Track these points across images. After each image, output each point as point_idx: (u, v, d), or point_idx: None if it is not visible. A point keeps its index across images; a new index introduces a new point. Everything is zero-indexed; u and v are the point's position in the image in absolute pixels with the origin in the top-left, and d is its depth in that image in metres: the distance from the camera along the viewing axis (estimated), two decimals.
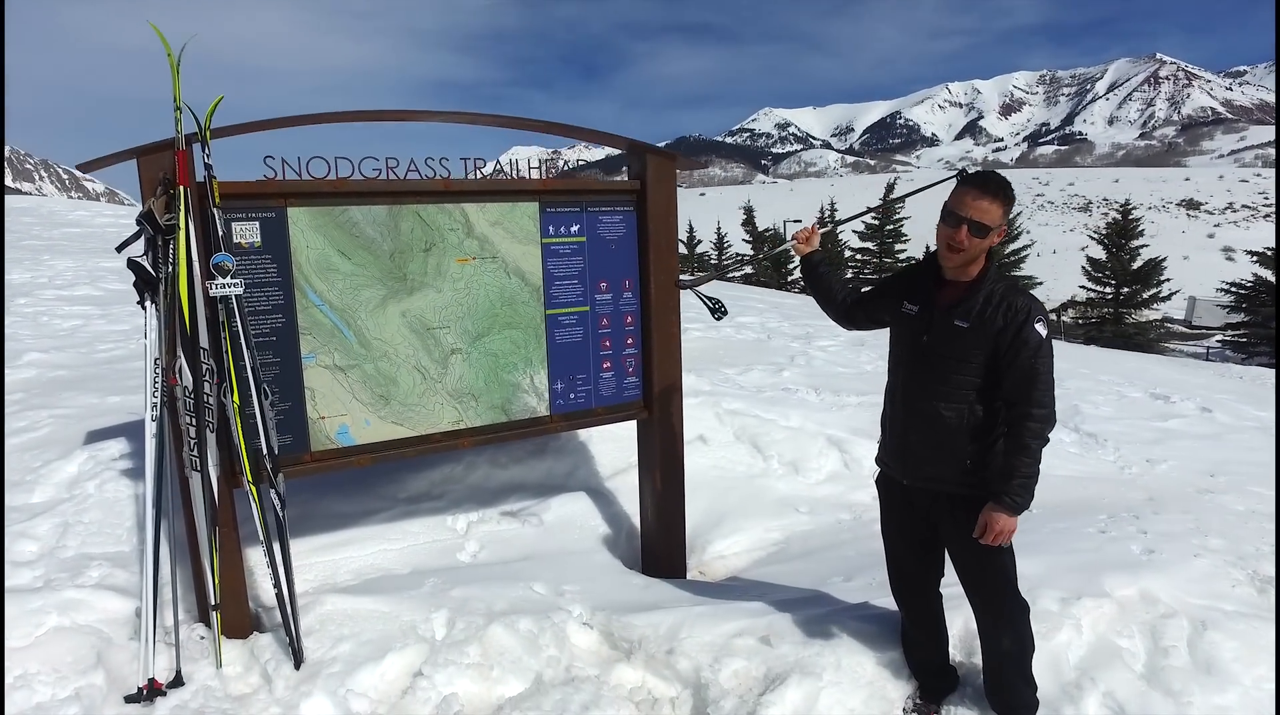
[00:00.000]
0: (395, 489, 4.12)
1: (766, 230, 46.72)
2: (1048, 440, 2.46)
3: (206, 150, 2.78)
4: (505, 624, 3.11)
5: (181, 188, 2.72)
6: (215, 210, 2.79)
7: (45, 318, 7.09)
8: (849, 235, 45.84)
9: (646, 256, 3.82)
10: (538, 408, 3.69)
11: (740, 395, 5.79)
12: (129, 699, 2.68)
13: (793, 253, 3.25)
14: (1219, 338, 33.07)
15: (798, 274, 43.61)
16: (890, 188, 42.91)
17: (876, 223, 41.97)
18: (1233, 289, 28.47)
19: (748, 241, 46.00)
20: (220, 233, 2.80)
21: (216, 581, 2.88)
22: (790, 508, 4.76)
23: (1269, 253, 26.95)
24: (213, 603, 2.89)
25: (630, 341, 3.89)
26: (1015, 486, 2.42)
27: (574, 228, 3.68)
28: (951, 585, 2.94)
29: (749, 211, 48.05)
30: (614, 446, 4.88)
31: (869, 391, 6.09)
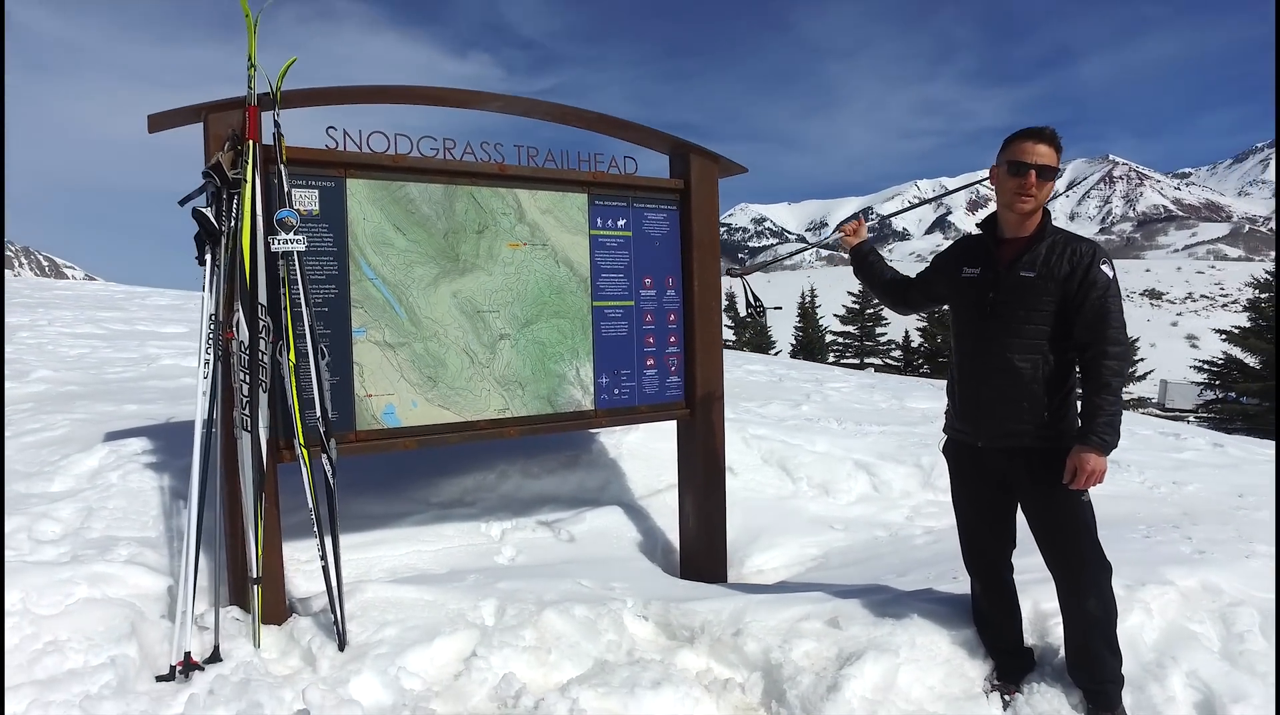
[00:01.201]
0: (427, 493, 3.98)
1: (747, 317, 47.49)
2: (1126, 380, 2.45)
3: (276, 110, 2.79)
4: (559, 610, 2.96)
5: (251, 142, 2.71)
6: (282, 167, 2.78)
7: (50, 346, 6.92)
8: (829, 319, 46.70)
9: (690, 255, 3.84)
10: (583, 401, 3.62)
11: (764, 422, 5.74)
12: (160, 678, 2.48)
13: (842, 244, 3.28)
14: (1191, 418, 33.61)
15: (781, 346, 44.05)
16: None
17: (857, 307, 42.85)
18: (1206, 367, 29.11)
19: (729, 327, 46.69)
20: (286, 191, 2.78)
21: (260, 554, 2.72)
22: (825, 526, 4.65)
23: (1236, 331, 27.73)
24: (254, 576, 2.73)
25: (673, 340, 3.87)
26: (1101, 425, 2.39)
27: (620, 222, 3.71)
28: (1021, 571, 2.87)
29: (730, 297, 48.91)
30: (645, 465, 4.79)
31: (889, 423, 6.07)
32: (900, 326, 43.01)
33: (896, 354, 41.76)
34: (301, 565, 3.27)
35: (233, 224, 2.72)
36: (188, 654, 2.53)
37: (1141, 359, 32.22)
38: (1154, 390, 53.50)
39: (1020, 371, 2.56)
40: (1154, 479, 5.45)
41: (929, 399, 7.23)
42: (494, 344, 3.39)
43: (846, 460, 5.27)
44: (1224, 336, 28.41)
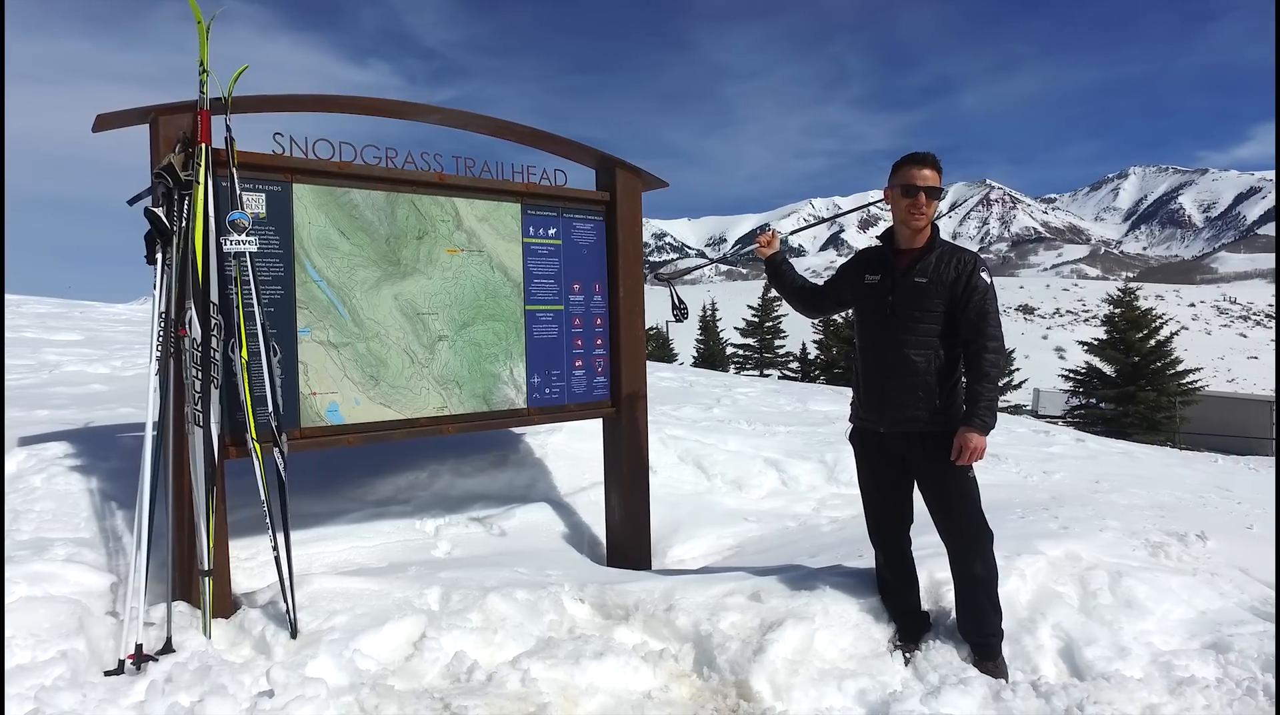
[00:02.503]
0: (363, 492, 4.06)
1: (651, 329, 48.15)
2: (1002, 371, 2.87)
3: (228, 114, 2.88)
4: (502, 595, 3.13)
5: (203, 145, 2.80)
6: (234, 170, 2.87)
7: None
8: (730, 332, 47.89)
9: (615, 263, 4.10)
10: (516, 400, 3.81)
11: (679, 424, 6.05)
12: (109, 673, 2.52)
13: (757, 254, 3.59)
14: (1062, 422, 36.35)
15: (683, 358, 44.84)
16: (768, 287, 45.38)
17: (756, 320, 44.20)
18: (1070, 376, 31.59)
19: (676, 312, 47.00)
20: (237, 193, 2.88)
21: (211, 546, 2.79)
22: (739, 518, 4.97)
23: (1095, 342, 30.29)
24: (204, 569, 2.79)
25: (599, 343, 4.11)
26: (982, 409, 2.79)
27: (551, 231, 3.93)
28: (919, 547, 3.26)
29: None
30: (569, 464, 4.99)
31: (795, 424, 6.49)
32: (798, 339, 44.61)
33: (794, 365, 43.31)
34: (243, 562, 3.31)
35: (184, 224, 2.79)
36: (139, 646, 2.57)
37: (1017, 369, 34.64)
38: (1029, 398, 57.45)
39: (916, 365, 2.93)
40: (1027, 469, 6.07)
41: (830, 402, 7.73)
42: (433, 345, 3.54)
43: (757, 458, 5.63)
44: (1085, 347, 30.95)
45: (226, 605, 2.94)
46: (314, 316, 3.22)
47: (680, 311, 3.95)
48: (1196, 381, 29.85)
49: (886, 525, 3.17)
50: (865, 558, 3.56)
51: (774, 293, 42.82)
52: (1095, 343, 30.20)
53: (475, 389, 3.67)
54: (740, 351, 46.09)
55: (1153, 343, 28.92)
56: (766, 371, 43.74)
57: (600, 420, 4.20)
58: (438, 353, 3.56)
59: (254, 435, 2.87)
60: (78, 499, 3.34)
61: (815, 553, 4.00)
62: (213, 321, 2.79)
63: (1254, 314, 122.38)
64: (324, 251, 3.25)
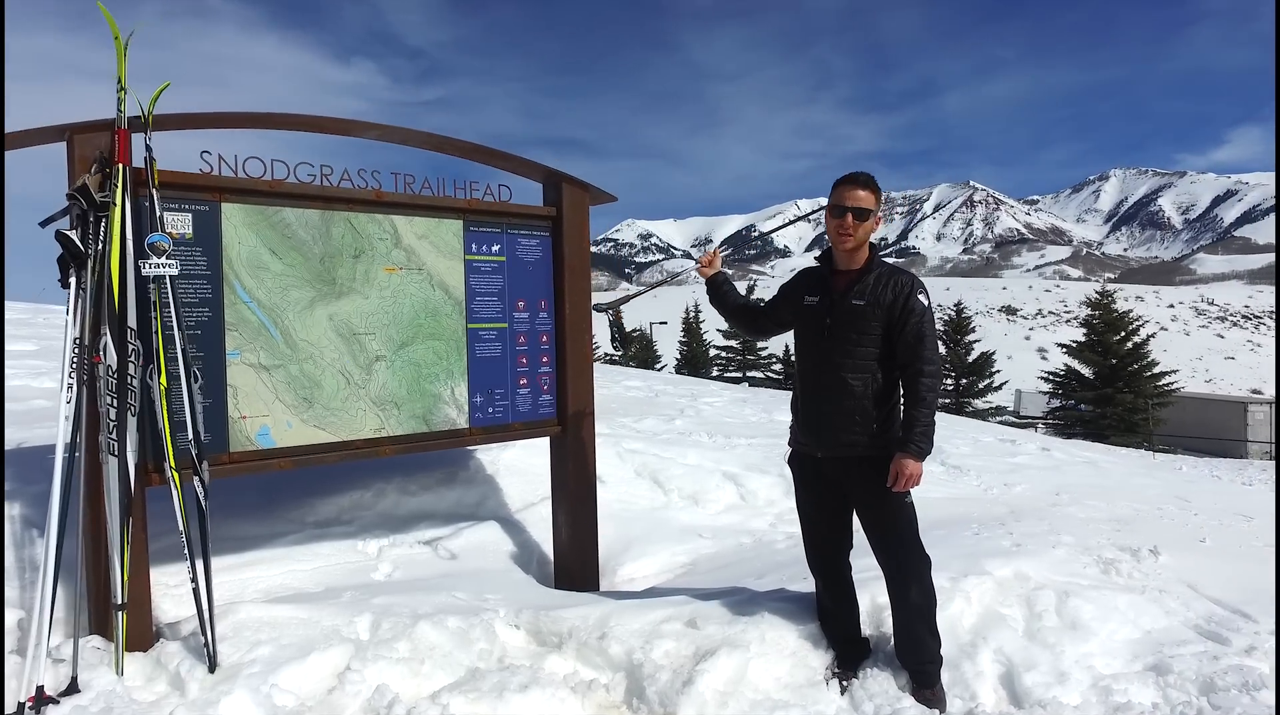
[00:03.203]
0: (303, 513, 3.99)
1: (635, 331, 48.09)
2: (939, 394, 2.84)
3: (148, 134, 2.81)
4: (433, 622, 3.07)
5: (120, 166, 2.72)
6: (153, 191, 2.80)
7: None
8: (713, 335, 47.88)
9: (562, 279, 4.04)
10: (457, 420, 3.75)
11: (638, 437, 6.00)
12: None
13: (697, 276, 3.55)
14: (1042, 424, 36.61)
15: (666, 360, 44.92)
16: (751, 289, 45.54)
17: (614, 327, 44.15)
18: (1050, 377, 31.82)
19: (616, 342, 47.16)
20: (157, 215, 2.80)
21: (125, 580, 2.71)
22: (694, 534, 4.93)
23: (1074, 344, 30.50)
24: (117, 603, 2.71)
25: (545, 360, 4.05)
26: (918, 435, 2.76)
27: (495, 247, 3.87)
28: (860, 570, 3.22)
29: (612, 324, 49.43)
30: (521, 480, 4.93)
31: (756, 436, 6.45)
32: (780, 342, 44.77)
33: (777, 367, 43.42)
34: (170, 590, 3.23)
35: (100, 247, 2.71)
36: (40, 688, 2.49)
37: (998, 371, 34.80)
38: (1010, 399, 57.83)
39: (853, 388, 2.90)
40: (989, 481, 6.07)
41: (766, 411, 7.71)
42: (370, 365, 3.47)
43: (716, 472, 5.59)
44: (1065, 350, 31.18)
45: (146, 637, 2.86)
46: (244, 338, 3.15)
47: (619, 343, 3.86)
48: (1172, 383, 30.13)
49: (825, 551, 3.13)
50: (810, 579, 3.51)
51: (756, 295, 43.00)
52: (1074, 345, 30.44)
53: (414, 410, 3.60)
54: (723, 354, 46.12)
55: (1130, 345, 29.18)
56: (749, 373, 43.81)
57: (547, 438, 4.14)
58: (375, 373, 3.49)
59: (172, 463, 2.79)
60: None
61: (763, 573, 3.96)
62: (130, 347, 2.71)
63: (1231, 315, 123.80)
64: (255, 272, 3.18)
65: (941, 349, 34.73)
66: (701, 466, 5.65)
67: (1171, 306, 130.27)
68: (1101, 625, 3.47)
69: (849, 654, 3.14)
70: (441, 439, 3.70)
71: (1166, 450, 27.16)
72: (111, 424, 2.67)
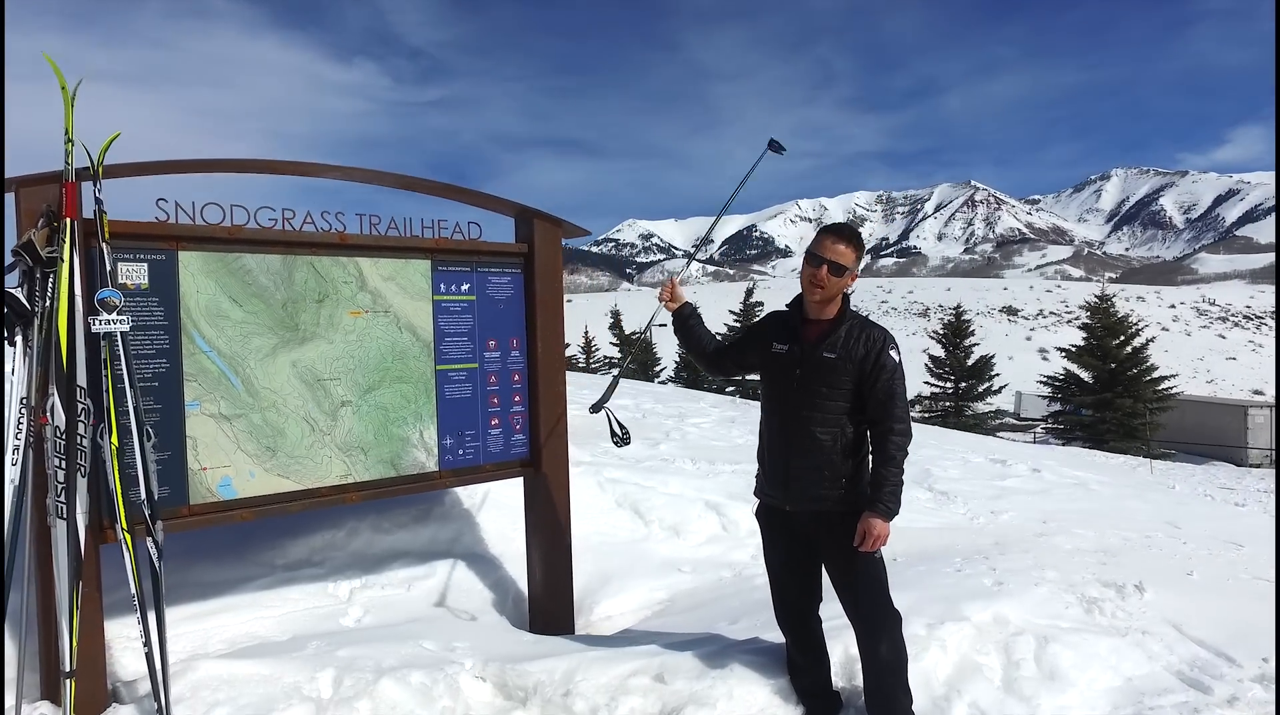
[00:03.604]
0: (273, 555, 3.93)
1: (633, 333, 48.03)
2: (908, 453, 2.78)
3: (98, 185, 2.75)
4: (396, 678, 3.02)
5: (68, 220, 2.66)
6: (104, 245, 2.74)
7: None
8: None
9: (534, 317, 3.98)
10: (427, 463, 3.69)
11: (620, 465, 5.93)
12: None
13: (665, 308, 3.45)
14: (1043, 427, 36.49)
15: (665, 362, 44.83)
16: (750, 292, 45.50)
17: (738, 324, 44.17)
18: (1049, 381, 31.73)
19: (615, 344, 47.06)
20: (107, 269, 2.75)
21: (74, 646, 2.65)
22: (673, 568, 4.87)
23: (1073, 348, 30.41)
24: (66, 670, 2.65)
25: (518, 399, 3.99)
26: (886, 495, 2.70)
27: (464, 286, 3.81)
28: (831, 618, 3.16)
29: (616, 316, 49.52)
30: (499, 514, 4.87)
31: (741, 461, 6.39)
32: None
33: None
34: (130, 642, 3.18)
35: (47, 304, 2.66)
36: None
37: (997, 374, 34.71)
38: (1010, 401, 57.73)
39: (822, 443, 2.84)
40: (976, 509, 6.00)
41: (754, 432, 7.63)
42: (335, 411, 3.42)
43: (698, 501, 5.53)
44: (1064, 354, 31.09)
45: (100, 700, 2.80)
46: (204, 389, 3.09)
47: (623, 439, 3.43)
48: (1172, 388, 30.04)
49: (794, 606, 3.07)
50: None
51: (755, 299, 42.72)
52: (1073, 349, 30.35)
53: (382, 454, 3.55)
54: None
55: (1129, 350, 29.09)
56: (748, 377, 43.73)
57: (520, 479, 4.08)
58: (340, 419, 3.43)
59: (124, 523, 2.73)
60: None
61: (738, 616, 3.90)
62: (80, 406, 2.65)
63: (1232, 315, 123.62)
64: (214, 321, 3.12)
65: (941, 352, 34.59)
66: (684, 495, 5.59)
67: (1173, 306, 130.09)
68: (1081, 674, 3.42)
69: (819, 709, 3.08)
70: (410, 483, 3.64)
71: (1169, 453, 27.08)
72: (60, 486, 2.61)
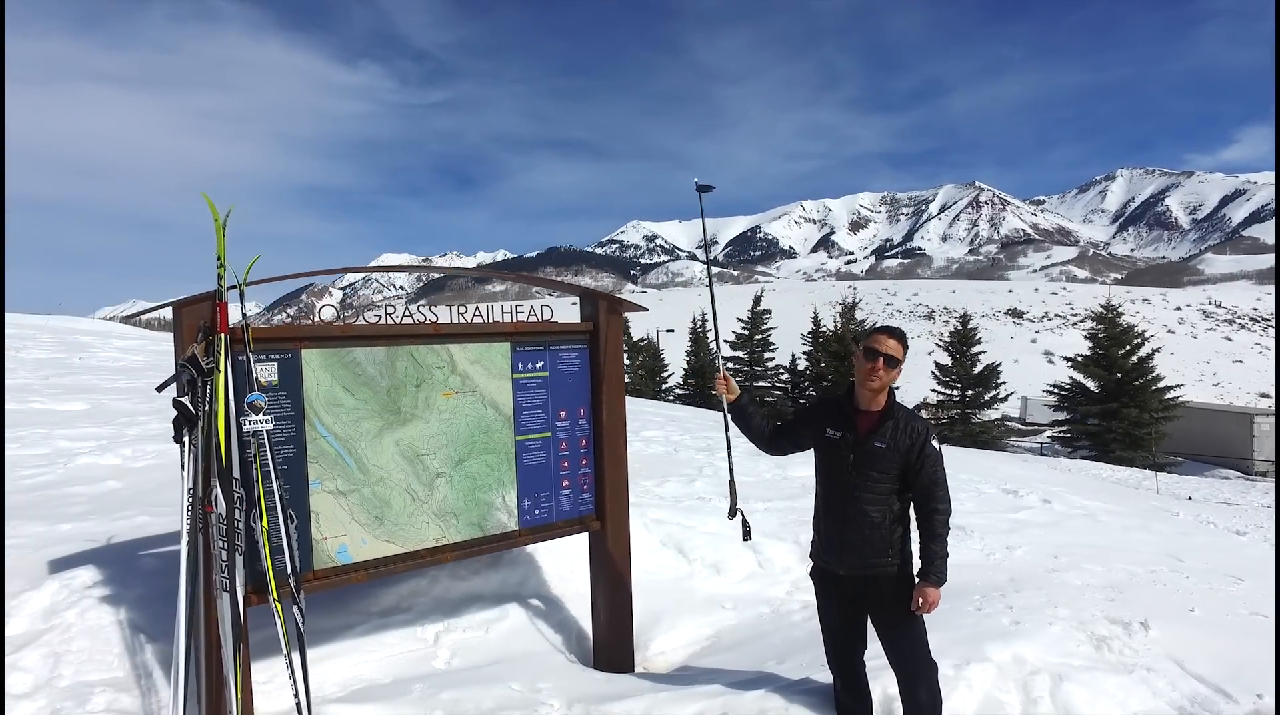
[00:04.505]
0: (368, 604, 4.39)
1: (642, 340, 48.50)
2: (950, 527, 3.25)
3: (243, 303, 3.22)
4: None
5: (222, 336, 3.13)
6: (250, 355, 3.21)
7: None
8: (720, 346, 48.13)
9: (599, 387, 4.44)
10: (508, 523, 4.15)
11: (661, 505, 6.38)
12: None
13: (724, 399, 3.90)
14: (1049, 434, 36.82)
15: (670, 384, 45.22)
16: (758, 300, 45.84)
17: (746, 333, 44.60)
18: (1055, 391, 32.08)
19: (624, 351, 47.51)
20: (254, 375, 3.21)
21: (239, 697, 3.11)
22: (716, 605, 5.32)
23: (1079, 358, 30.76)
24: None
25: (584, 461, 4.45)
26: (937, 567, 3.17)
27: (539, 364, 4.27)
28: (871, 658, 3.60)
29: (624, 323, 49.88)
30: (556, 557, 5.32)
31: (772, 497, 6.83)
32: (785, 352, 45.17)
33: (785, 377, 43.80)
34: (261, 686, 3.64)
35: (207, 407, 3.12)
36: None
37: (1003, 382, 35.12)
38: (1016, 407, 58.05)
39: (872, 518, 3.30)
40: (991, 545, 6.44)
41: (805, 466, 8.08)
42: (431, 482, 3.88)
43: (735, 539, 5.97)
44: (1070, 363, 31.44)
45: None
46: (324, 469, 3.56)
47: (746, 531, 3.90)
48: (1178, 397, 30.38)
49: (844, 655, 3.52)
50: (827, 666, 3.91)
51: (763, 307, 43.04)
52: (1079, 359, 30.71)
53: (471, 517, 4.01)
54: (730, 364, 46.49)
55: (1134, 359, 29.44)
56: (756, 384, 44.14)
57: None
58: (436, 489, 3.89)
59: (273, 592, 3.20)
60: (109, 634, 3.66)
61: (784, 656, 4.34)
62: (235, 495, 3.12)
63: (1239, 318, 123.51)
64: (331, 408, 3.59)
65: (947, 361, 34.81)
66: (721, 534, 6.04)
67: (1179, 308, 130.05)
68: (1091, 709, 3.86)
69: None
70: (494, 542, 4.10)
71: (1175, 461, 27.41)
72: (223, 565, 3.08)
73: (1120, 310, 31.47)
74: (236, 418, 3.16)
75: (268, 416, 3.21)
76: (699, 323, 50.12)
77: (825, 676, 3.87)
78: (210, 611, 3.11)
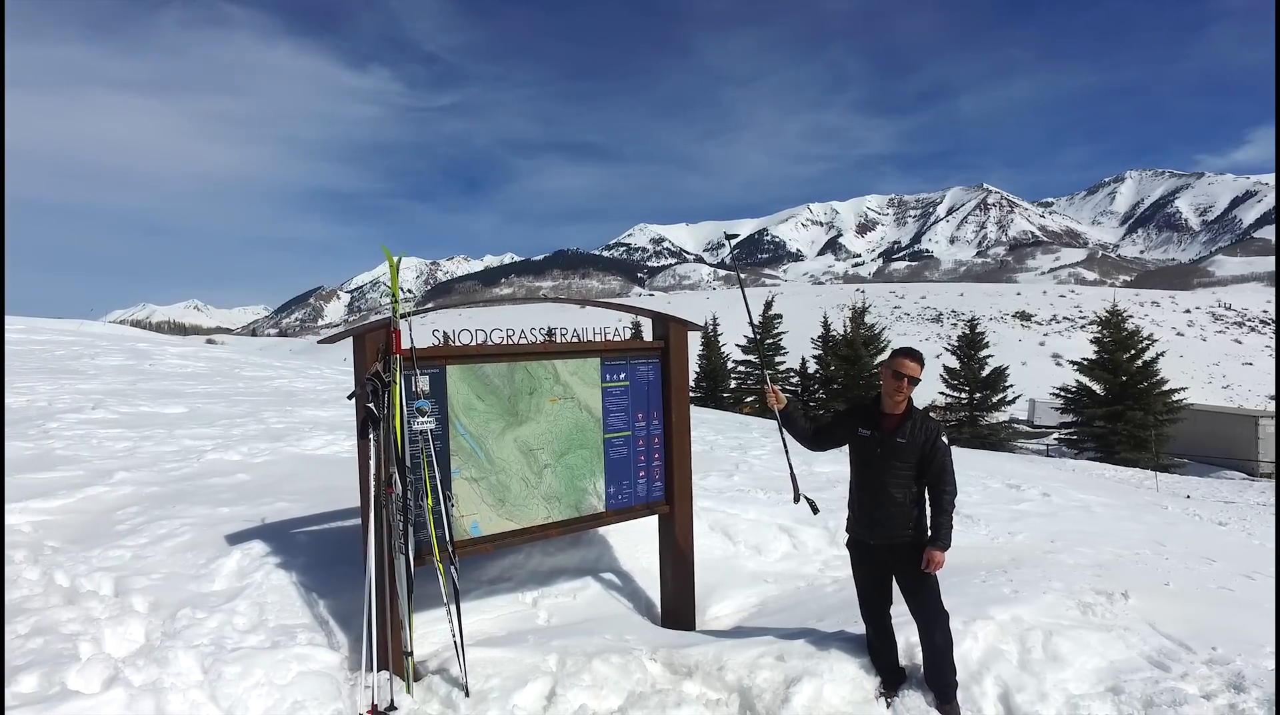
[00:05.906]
0: (480, 573, 5.33)
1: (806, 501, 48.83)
2: (955, 506, 4.17)
3: (410, 330, 4.17)
4: (603, 659, 4.40)
5: (397, 356, 4.08)
6: (416, 370, 4.16)
7: (93, 440, 7.68)
8: (731, 348, 49.09)
9: (669, 395, 5.38)
10: (597, 506, 5.08)
11: (707, 496, 7.31)
12: None
13: (775, 408, 4.83)
14: (1056, 436, 37.57)
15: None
16: (769, 304, 46.65)
17: (758, 337, 45.46)
18: (1062, 393, 32.84)
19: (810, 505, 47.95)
20: (418, 386, 4.16)
21: (412, 635, 4.06)
22: (760, 580, 6.24)
23: (1085, 362, 31.53)
24: (408, 651, 4.06)
25: (657, 456, 5.38)
26: (943, 534, 4.09)
27: (621, 375, 5.21)
28: (896, 615, 4.51)
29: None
30: (623, 537, 6.26)
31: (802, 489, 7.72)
32: (796, 356, 46.06)
33: (795, 380, 44.69)
34: (450, 623, 4.56)
35: (386, 411, 4.07)
36: (375, 705, 3.84)
37: (1011, 385, 35.92)
38: (1024, 409, 58.73)
39: (895, 497, 4.22)
40: (995, 530, 7.33)
41: (830, 464, 9.00)
42: (541, 471, 4.82)
43: (772, 525, 6.90)
44: (1076, 367, 32.20)
45: (419, 672, 4.21)
46: (462, 461, 4.50)
47: (816, 510, 4.79)
48: (1183, 400, 31.11)
49: (874, 608, 4.44)
50: (861, 624, 4.83)
51: (774, 310, 43.76)
52: (1085, 362, 31.49)
53: (570, 501, 4.95)
54: (741, 367, 47.34)
55: (1139, 363, 30.18)
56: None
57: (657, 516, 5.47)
58: (544, 477, 4.83)
59: (436, 556, 4.14)
60: (289, 591, 4.61)
61: (822, 616, 5.27)
62: (409, 480, 4.07)
63: (1249, 320, 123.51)
64: (467, 412, 4.53)
65: (955, 364, 35.54)
66: (760, 521, 6.96)
67: (1188, 311, 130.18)
68: (1076, 657, 4.76)
69: (891, 679, 4.44)
70: (588, 522, 5.04)
71: (1180, 463, 28.11)
72: (400, 534, 4.02)
73: (1125, 314, 32.22)
74: (408, 419, 4.11)
75: (430, 418, 4.16)
76: (710, 326, 50.96)
77: (858, 629, 4.78)
78: (390, 571, 4.06)
